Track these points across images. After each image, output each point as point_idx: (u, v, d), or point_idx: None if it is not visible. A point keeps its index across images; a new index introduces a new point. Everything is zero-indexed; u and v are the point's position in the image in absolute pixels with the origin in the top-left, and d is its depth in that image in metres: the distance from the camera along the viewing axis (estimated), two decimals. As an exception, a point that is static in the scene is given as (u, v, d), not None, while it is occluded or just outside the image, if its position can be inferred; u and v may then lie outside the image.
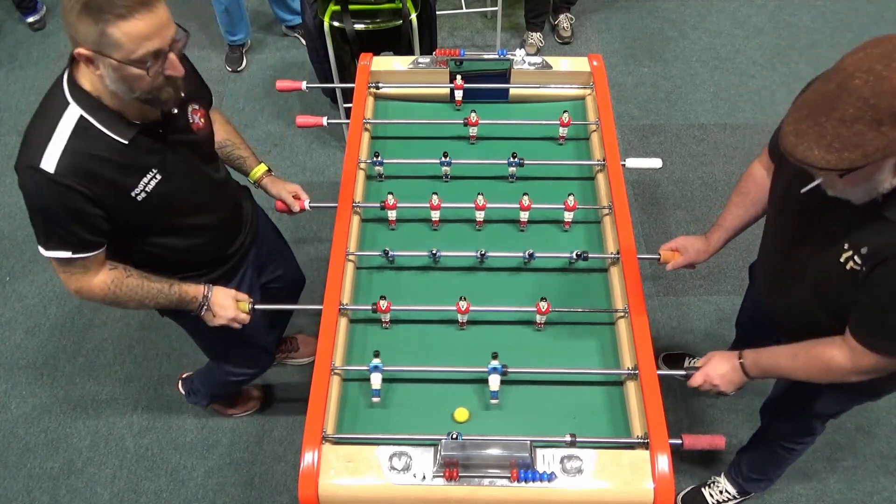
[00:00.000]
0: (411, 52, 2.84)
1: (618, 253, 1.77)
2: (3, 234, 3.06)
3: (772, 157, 1.62)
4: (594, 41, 3.84)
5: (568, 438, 1.47)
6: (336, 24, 2.73)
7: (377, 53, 2.22)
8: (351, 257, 1.80)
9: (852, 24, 3.91)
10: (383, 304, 1.64)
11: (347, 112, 2.99)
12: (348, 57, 2.85)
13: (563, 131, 2.05)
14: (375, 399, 1.57)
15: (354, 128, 2.04)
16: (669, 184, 3.20)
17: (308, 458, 1.42)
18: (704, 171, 3.24)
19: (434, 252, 1.77)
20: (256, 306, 1.78)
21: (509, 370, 1.56)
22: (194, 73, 1.65)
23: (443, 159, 1.94)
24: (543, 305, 1.64)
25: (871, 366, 1.38)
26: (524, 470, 1.39)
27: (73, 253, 1.47)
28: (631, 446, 1.48)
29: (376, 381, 1.55)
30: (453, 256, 1.81)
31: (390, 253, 1.78)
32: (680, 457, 2.37)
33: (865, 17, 3.95)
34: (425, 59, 2.15)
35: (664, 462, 1.41)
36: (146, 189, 1.49)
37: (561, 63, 2.16)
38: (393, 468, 1.41)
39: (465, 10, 3.87)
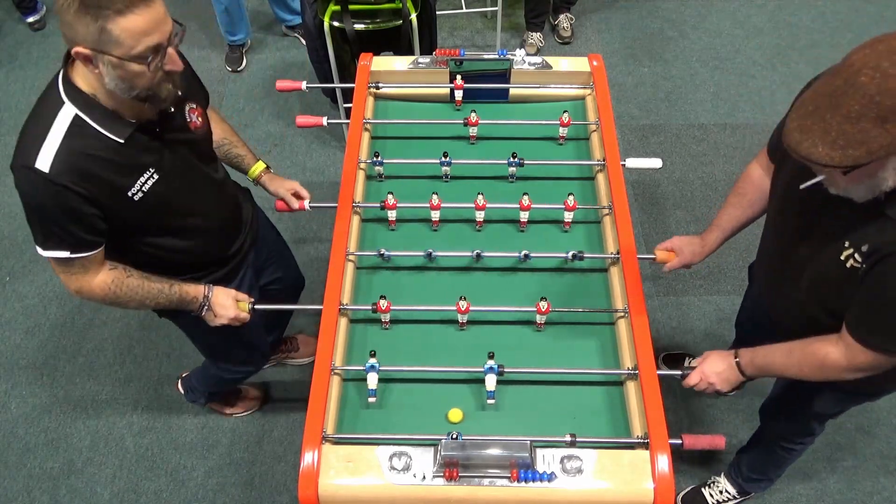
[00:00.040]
0: (411, 52, 2.84)
1: (618, 253, 1.77)
2: (3, 234, 3.06)
3: (771, 157, 1.62)
4: (594, 41, 3.84)
5: (568, 438, 1.47)
6: (336, 24, 2.73)
7: (377, 53, 2.21)
8: (351, 257, 1.79)
9: (852, 24, 3.91)
10: (383, 304, 1.64)
11: (347, 112, 2.98)
12: (348, 57, 2.85)
13: (563, 131, 2.05)
14: (371, 399, 1.57)
15: (354, 128, 2.03)
16: (669, 184, 3.19)
17: (308, 458, 1.42)
18: (704, 171, 3.24)
19: (430, 252, 1.77)
20: (257, 306, 1.78)
21: (509, 370, 1.56)
22: (191, 71, 1.64)
23: (443, 159, 1.93)
24: (543, 305, 1.64)
25: (867, 363, 1.38)
26: (524, 470, 1.39)
27: (71, 252, 1.46)
28: (631, 446, 1.48)
29: (372, 381, 1.55)
30: (454, 256, 1.81)
31: (385, 253, 1.78)
32: (680, 457, 2.37)
33: (865, 17, 3.95)
34: (425, 59, 2.15)
35: (664, 462, 1.41)
36: (143, 189, 1.47)
37: (561, 63, 2.16)
38: (393, 468, 1.41)
39: (465, 10, 3.87)
